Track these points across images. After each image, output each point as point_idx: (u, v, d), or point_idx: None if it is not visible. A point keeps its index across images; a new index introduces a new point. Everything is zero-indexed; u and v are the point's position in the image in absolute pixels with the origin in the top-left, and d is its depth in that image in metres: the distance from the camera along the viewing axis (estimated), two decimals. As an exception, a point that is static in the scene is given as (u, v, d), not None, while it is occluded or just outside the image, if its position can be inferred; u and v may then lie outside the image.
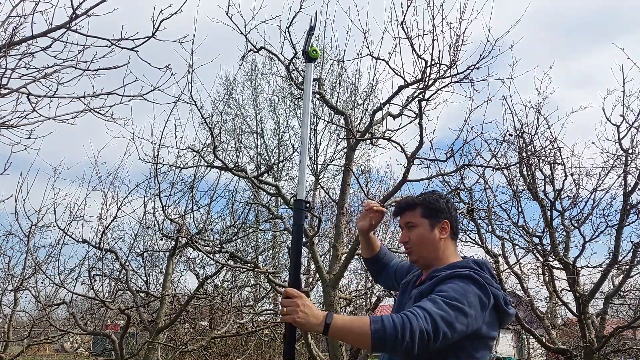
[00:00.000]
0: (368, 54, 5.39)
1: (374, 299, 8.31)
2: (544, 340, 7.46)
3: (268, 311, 10.17)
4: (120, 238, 8.34)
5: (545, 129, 7.36)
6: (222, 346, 11.71)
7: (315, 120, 14.34)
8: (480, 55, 4.97)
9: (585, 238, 7.34)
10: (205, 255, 6.68)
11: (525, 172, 7.59)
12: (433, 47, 4.89)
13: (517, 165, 7.51)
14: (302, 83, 5.86)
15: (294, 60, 5.42)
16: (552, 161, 7.48)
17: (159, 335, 6.80)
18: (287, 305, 1.80)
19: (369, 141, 6.17)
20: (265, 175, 8.36)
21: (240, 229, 7.90)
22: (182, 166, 7.00)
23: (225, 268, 7.21)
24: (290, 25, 5.13)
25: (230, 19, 5.01)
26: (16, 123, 3.66)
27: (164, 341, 7.81)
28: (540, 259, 7.60)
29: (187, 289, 9.07)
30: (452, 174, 6.12)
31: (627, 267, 7.15)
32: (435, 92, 5.21)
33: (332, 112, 7.20)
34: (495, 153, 6.59)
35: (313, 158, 14.83)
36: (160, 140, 6.06)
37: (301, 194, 2.02)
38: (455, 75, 5.09)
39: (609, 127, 8.74)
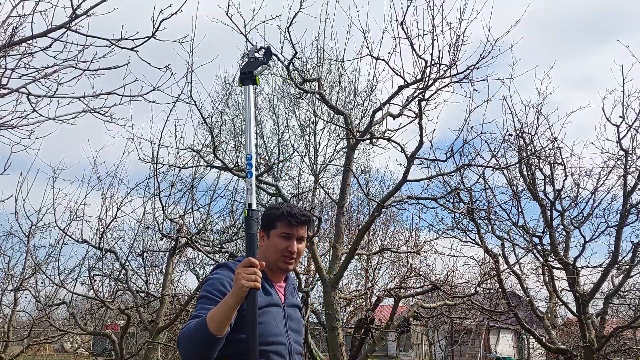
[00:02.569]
0: (368, 54, 5.40)
1: (373, 299, 8.31)
2: (544, 340, 7.46)
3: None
4: (120, 238, 8.31)
5: (545, 129, 7.37)
6: (222, 346, 11.70)
7: (314, 120, 14.32)
8: (480, 55, 4.98)
9: (586, 238, 7.35)
10: (205, 255, 6.68)
11: (525, 172, 7.59)
12: (433, 47, 4.90)
13: (517, 165, 7.51)
14: (302, 83, 5.86)
15: (293, 60, 5.42)
16: (552, 161, 7.48)
17: (159, 335, 6.80)
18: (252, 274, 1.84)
19: (368, 141, 6.18)
20: (265, 175, 8.37)
21: (240, 229, 7.88)
22: (181, 166, 6.99)
23: (225, 268, 7.18)
24: (290, 25, 5.14)
25: (230, 19, 5.02)
26: (16, 123, 3.66)
27: (164, 341, 7.81)
28: (540, 259, 7.60)
29: (187, 289, 9.05)
30: (452, 174, 6.12)
31: (627, 267, 7.15)
32: (435, 92, 5.21)
33: (331, 111, 7.20)
34: (495, 153, 6.59)
35: (313, 158, 14.81)
36: (159, 140, 6.07)
37: (254, 203, 2.02)
38: (455, 75, 5.10)
39: (609, 127, 8.74)
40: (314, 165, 14.79)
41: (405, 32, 4.93)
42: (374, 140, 6.17)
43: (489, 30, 4.95)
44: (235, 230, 7.67)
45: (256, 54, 2.28)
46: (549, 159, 7.50)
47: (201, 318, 1.83)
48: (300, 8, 5.09)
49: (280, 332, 2.04)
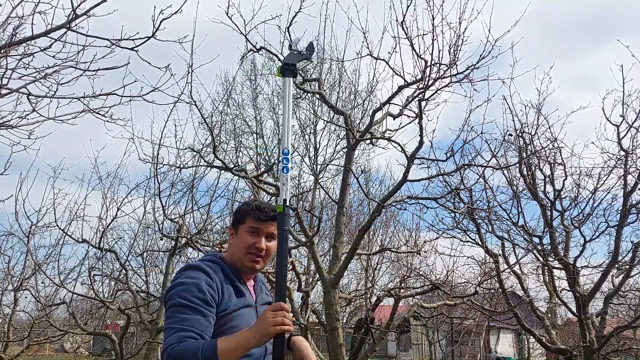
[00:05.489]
0: (368, 54, 5.39)
1: (373, 299, 8.31)
2: (544, 340, 7.46)
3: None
4: (120, 238, 8.34)
5: (545, 129, 7.38)
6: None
7: (314, 120, 14.33)
8: (480, 55, 4.97)
9: (586, 238, 7.35)
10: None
11: (525, 172, 7.59)
12: (433, 47, 4.89)
13: (517, 165, 7.52)
14: (302, 83, 5.86)
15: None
16: (552, 161, 7.48)
17: (159, 335, 6.80)
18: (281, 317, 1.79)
19: (369, 141, 6.17)
20: (265, 175, 8.36)
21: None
22: (181, 166, 6.99)
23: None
24: (290, 25, 5.13)
25: (230, 19, 5.01)
26: (16, 123, 3.65)
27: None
28: (540, 259, 7.60)
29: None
30: (452, 173, 6.12)
31: (627, 267, 7.15)
32: (435, 92, 5.21)
33: (331, 111, 7.20)
34: (495, 153, 6.59)
35: (313, 158, 14.82)
36: (160, 140, 6.07)
37: (288, 198, 2.01)
38: (455, 75, 5.09)
39: (609, 127, 8.75)
40: (314, 165, 14.81)
41: (405, 32, 4.93)
42: (374, 140, 6.16)
43: (489, 30, 4.95)
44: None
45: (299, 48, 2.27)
46: (549, 159, 7.51)
47: (209, 348, 1.66)
48: (300, 8, 5.08)
49: None
